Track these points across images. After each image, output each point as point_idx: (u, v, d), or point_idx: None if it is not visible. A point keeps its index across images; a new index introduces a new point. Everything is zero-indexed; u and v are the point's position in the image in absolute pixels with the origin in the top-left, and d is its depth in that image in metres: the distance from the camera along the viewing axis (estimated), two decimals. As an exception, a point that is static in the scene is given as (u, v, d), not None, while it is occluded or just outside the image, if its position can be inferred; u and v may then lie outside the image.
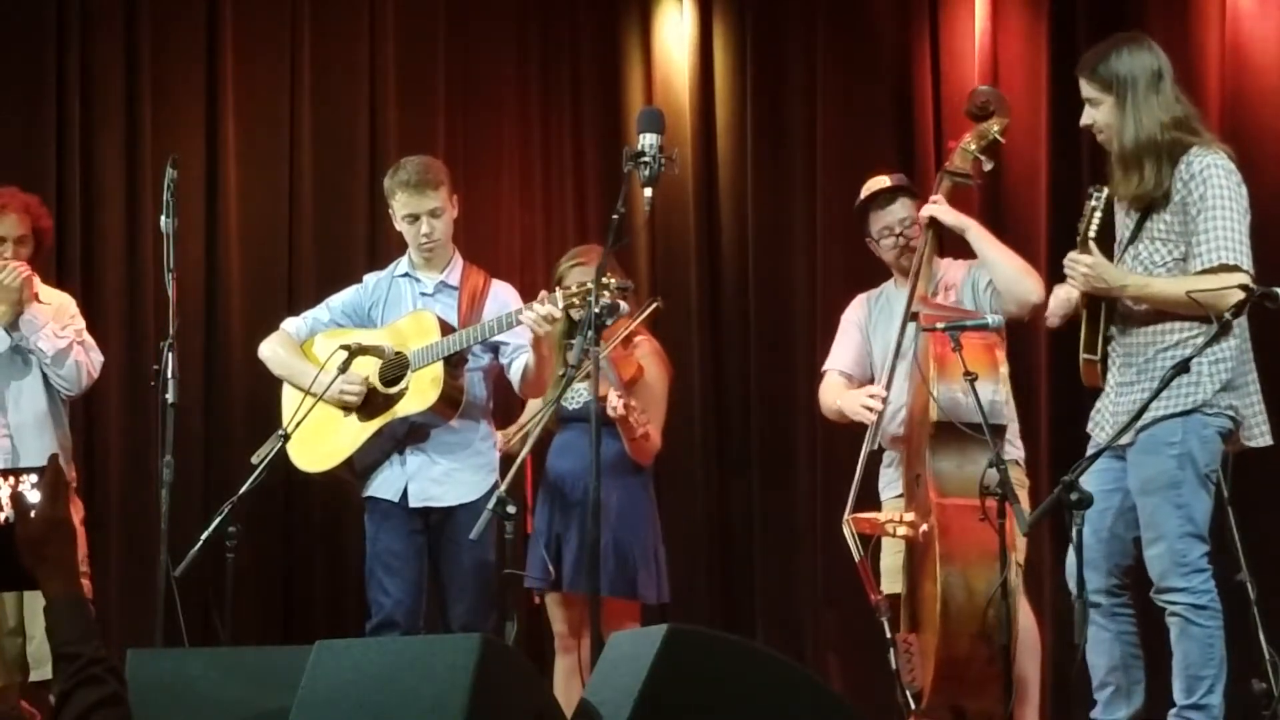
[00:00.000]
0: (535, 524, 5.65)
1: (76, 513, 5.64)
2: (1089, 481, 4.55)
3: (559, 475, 5.61)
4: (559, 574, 5.54)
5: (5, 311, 5.61)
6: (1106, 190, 4.69)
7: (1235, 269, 4.51)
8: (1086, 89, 4.72)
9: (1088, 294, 4.71)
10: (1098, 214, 4.64)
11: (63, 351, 5.62)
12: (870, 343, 5.48)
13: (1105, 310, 4.72)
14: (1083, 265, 4.63)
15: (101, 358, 5.78)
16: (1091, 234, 4.64)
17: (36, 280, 5.71)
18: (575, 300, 5.10)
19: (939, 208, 5.21)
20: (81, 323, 5.79)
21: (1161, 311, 4.62)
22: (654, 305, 5.69)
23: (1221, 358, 4.59)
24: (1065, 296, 4.84)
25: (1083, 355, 4.78)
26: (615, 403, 5.35)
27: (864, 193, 5.49)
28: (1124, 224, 4.74)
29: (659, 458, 5.82)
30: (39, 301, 5.69)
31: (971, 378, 4.69)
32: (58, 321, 5.68)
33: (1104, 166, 4.84)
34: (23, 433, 5.62)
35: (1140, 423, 4.53)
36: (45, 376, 5.66)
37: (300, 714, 3.53)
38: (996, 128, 5.23)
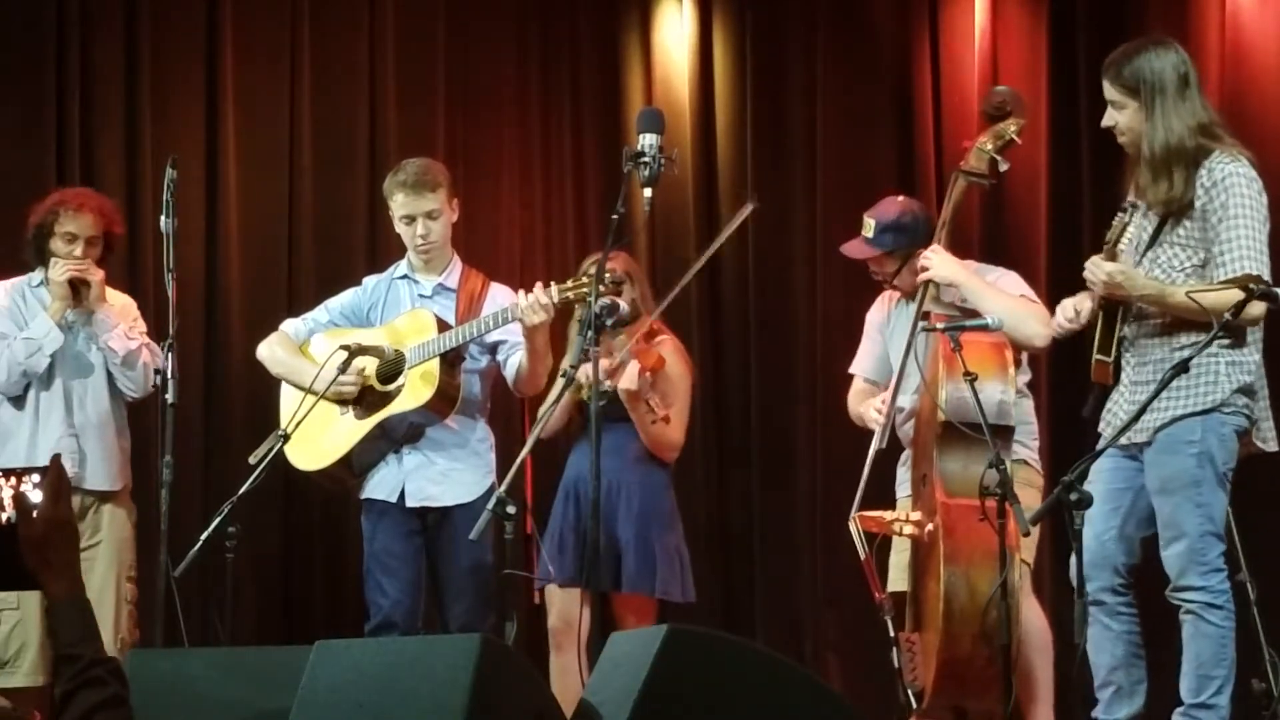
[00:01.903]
0: (551, 521, 5.64)
1: (130, 518, 5.64)
2: (1100, 481, 4.57)
3: (582, 471, 5.52)
4: (582, 570, 5.50)
5: (57, 308, 5.61)
6: (1142, 205, 4.69)
7: (1256, 279, 4.49)
8: (1110, 91, 4.70)
9: (1104, 297, 4.71)
10: (1130, 229, 4.64)
11: (134, 353, 5.61)
12: (889, 344, 5.47)
13: (1121, 312, 4.71)
14: (1103, 272, 4.62)
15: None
16: (1121, 246, 4.63)
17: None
18: (570, 294, 5.10)
19: (934, 264, 5.15)
20: (143, 325, 5.78)
21: (1179, 317, 4.62)
22: (750, 208, 5.73)
23: (1241, 362, 4.60)
24: (1068, 305, 4.81)
25: (1095, 355, 4.77)
26: (632, 373, 5.32)
27: (846, 246, 5.46)
28: (1142, 227, 4.74)
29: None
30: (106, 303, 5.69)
31: (971, 378, 4.68)
32: (124, 323, 5.68)
33: (1108, 168, 4.84)
34: (86, 433, 5.61)
35: (1158, 422, 4.55)
36: (109, 378, 5.66)
37: (300, 714, 3.53)
38: (1013, 128, 5.21)
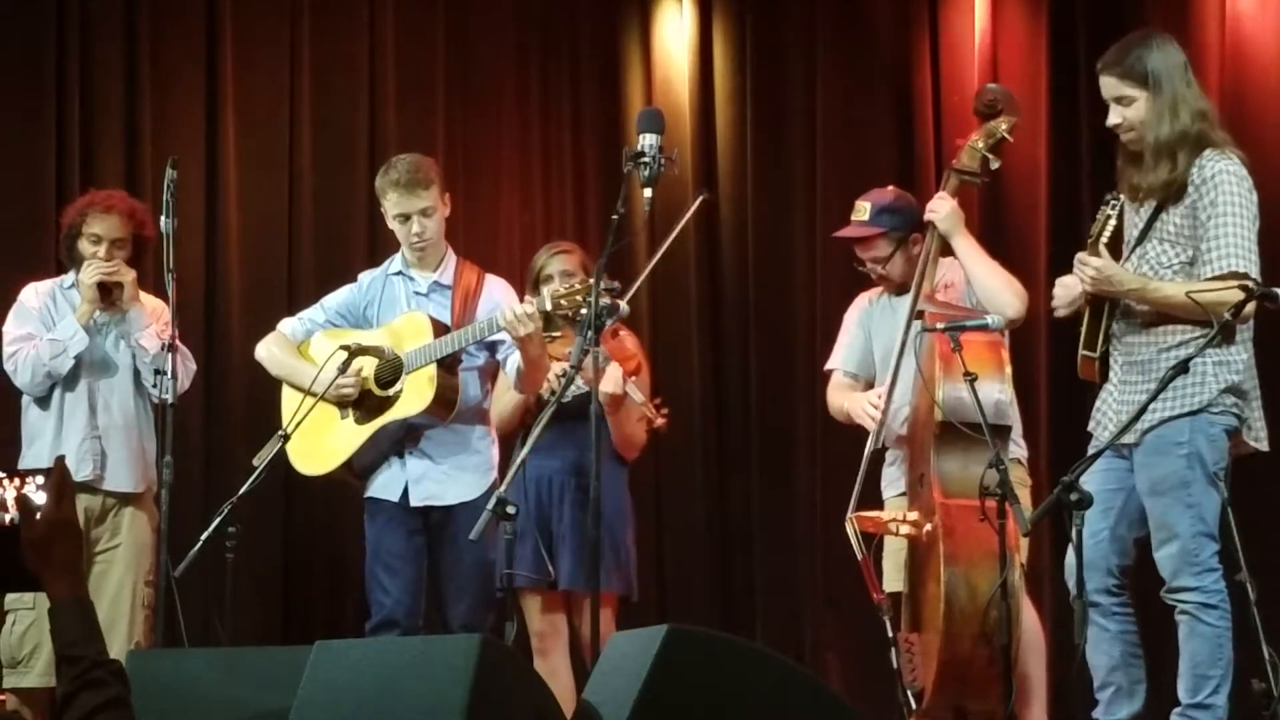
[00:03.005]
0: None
1: (150, 521, 5.61)
2: (1092, 481, 4.57)
3: (544, 470, 5.47)
4: (553, 570, 5.48)
5: (85, 310, 5.61)
6: (1124, 198, 4.69)
7: (1244, 277, 4.52)
8: (1118, 87, 4.70)
9: (1091, 293, 4.72)
10: (1112, 221, 4.64)
11: (162, 353, 5.61)
12: (872, 340, 5.47)
13: (1108, 308, 4.72)
14: (1090, 268, 4.63)
15: (194, 367, 5.73)
16: (1104, 239, 4.64)
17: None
18: (563, 302, 5.07)
19: (941, 206, 5.19)
20: (174, 330, 5.77)
21: (1165, 313, 4.63)
22: (702, 198, 5.75)
23: (1228, 361, 4.61)
24: (1072, 283, 4.82)
25: (1082, 351, 4.78)
26: (616, 376, 5.30)
27: (842, 230, 5.46)
28: (1133, 223, 4.75)
29: (659, 457, 5.81)
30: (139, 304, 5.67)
31: (971, 378, 4.69)
32: (156, 324, 5.67)
33: (1108, 168, 4.84)
34: (110, 435, 5.60)
35: (1146, 424, 4.56)
36: (134, 380, 5.65)
37: (300, 714, 3.53)
38: (1005, 126, 5.22)
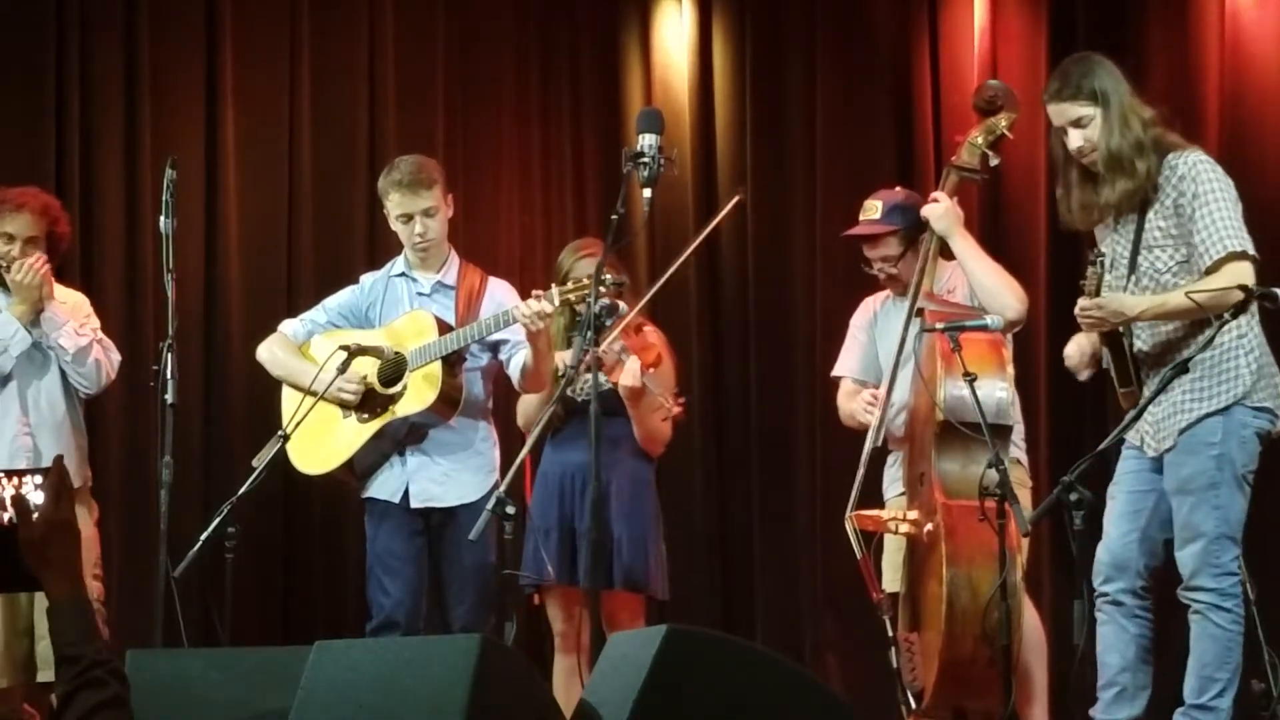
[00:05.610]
0: (534, 518, 5.56)
1: (90, 515, 5.63)
2: (1123, 484, 4.61)
3: (567, 466, 5.54)
4: (573, 568, 5.49)
5: (25, 310, 5.58)
6: (1108, 254, 4.71)
7: (1242, 255, 4.56)
8: (1072, 110, 4.73)
9: (1106, 331, 4.72)
10: (1107, 277, 4.66)
11: (84, 350, 5.60)
12: (877, 344, 5.47)
13: (1127, 344, 4.73)
14: (1094, 311, 4.63)
15: (119, 357, 5.73)
16: (1107, 292, 4.65)
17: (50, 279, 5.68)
18: (571, 296, 5.10)
19: (936, 207, 5.19)
20: (97, 322, 5.76)
21: (1180, 321, 4.64)
22: (736, 199, 5.77)
23: (1252, 348, 4.64)
24: (1084, 343, 4.86)
25: (1120, 390, 4.78)
26: (634, 368, 5.31)
27: (853, 229, 5.46)
28: (1118, 244, 4.76)
29: (659, 457, 5.80)
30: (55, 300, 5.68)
31: (971, 378, 4.69)
32: (74, 320, 5.67)
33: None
34: (41, 431, 5.59)
35: (1183, 423, 4.59)
36: (64, 376, 5.65)
37: (300, 714, 3.54)
38: (1004, 123, 5.22)
